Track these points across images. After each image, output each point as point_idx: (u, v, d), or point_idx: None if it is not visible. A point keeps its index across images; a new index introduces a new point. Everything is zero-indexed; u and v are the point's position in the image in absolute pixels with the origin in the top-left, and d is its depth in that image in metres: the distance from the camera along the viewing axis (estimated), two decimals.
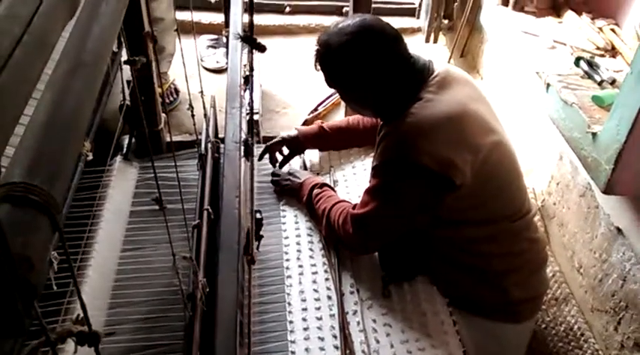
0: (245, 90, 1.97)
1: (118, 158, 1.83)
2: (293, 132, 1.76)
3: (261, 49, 0.85)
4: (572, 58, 1.79)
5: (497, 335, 1.42)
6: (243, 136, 1.16)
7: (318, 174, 1.77)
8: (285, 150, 1.78)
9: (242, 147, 0.98)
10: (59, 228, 0.43)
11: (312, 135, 1.76)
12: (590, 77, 1.71)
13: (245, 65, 1.78)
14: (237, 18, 1.81)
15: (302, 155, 1.85)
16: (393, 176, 1.33)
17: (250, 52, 0.92)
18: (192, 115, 1.59)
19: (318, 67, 1.40)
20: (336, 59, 1.36)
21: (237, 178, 1.12)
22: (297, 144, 1.76)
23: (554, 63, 1.78)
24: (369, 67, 1.33)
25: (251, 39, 0.83)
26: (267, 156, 1.78)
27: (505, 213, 1.39)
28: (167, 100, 2.28)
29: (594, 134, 1.44)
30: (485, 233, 1.38)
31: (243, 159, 1.10)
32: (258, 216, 1.24)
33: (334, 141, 1.78)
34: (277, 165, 1.77)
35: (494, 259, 1.39)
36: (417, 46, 2.90)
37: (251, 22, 0.90)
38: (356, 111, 1.59)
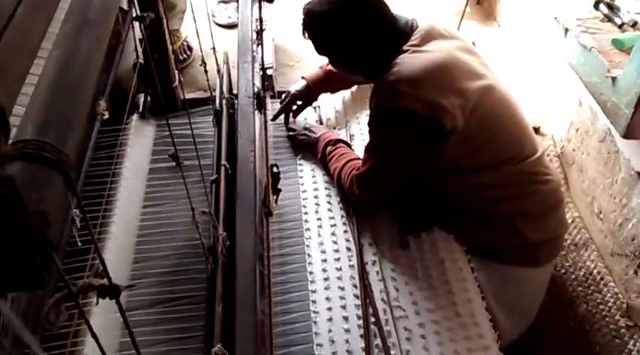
0: (257, 45, 1.96)
1: (135, 116, 1.84)
2: (302, 83, 1.76)
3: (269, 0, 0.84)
4: (591, 0, 1.74)
5: (516, 279, 1.43)
6: (257, 86, 1.16)
7: (334, 128, 1.77)
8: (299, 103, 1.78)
9: (254, 101, 0.98)
10: (72, 184, 0.44)
11: (321, 79, 1.75)
12: (610, 20, 1.66)
13: (256, 19, 1.76)
14: None
15: (318, 109, 1.84)
16: (384, 128, 1.37)
17: (259, 3, 0.91)
18: (206, 71, 1.59)
19: (306, 35, 1.45)
20: (320, 28, 1.42)
21: (251, 133, 1.13)
22: (308, 94, 1.76)
23: (573, 7, 1.73)
24: (351, 33, 1.38)
25: None
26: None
27: (506, 157, 1.39)
28: (180, 57, 2.26)
29: (614, 78, 1.41)
30: (488, 178, 1.38)
31: (256, 113, 1.10)
32: (275, 169, 1.25)
33: (343, 81, 1.78)
34: (292, 116, 1.79)
35: (502, 203, 1.39)
36: None
37: (260, 19, 0.88)
38: (347, 77, 1.63)
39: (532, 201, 1.40)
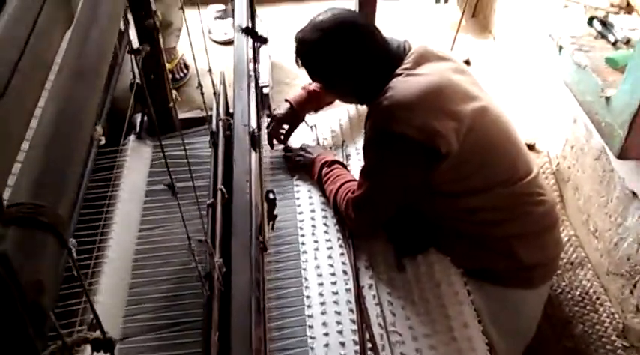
0: (255, 63, 1.97)
1: (132, 137, 1.84)
2: (285, 106, 1.76)
3: (263, 41, 0.85)
4: (585, 17, 1.75)
5: (512, 301, 1.43)
6: (252, 125, 1.16)
7: (331, 147, 1.77)
8: (286, 127, 1.78)
9: (249, 140, 0.98)
10: (67, 246, 0.44)
11: (304, 99, 1.76)
12: (603, 37, 1.67)
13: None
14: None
15: (314, 128, 1.84)
16: (379, 151, 1.37)
17: (253, 45, 0.92)
18: (202, 93, 1.59)
19: (299, 63, 1.45)
20: (312, 55, 1.42)
21: (247, 162, 1.13)
22: (293, 116, 1.76)
23: (567, 23, 1.74)
24: (343, 60, 1.39)
25: (252, 31, 0.83)
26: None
27: (498, 180, 1.39)
28: (177, 76, 2.27)
29: (607, 98, 1.42)
30: (482, 201, 1.38)
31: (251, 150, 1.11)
32: (271, 196, 1.25)
33: (326, 99, 1.79)
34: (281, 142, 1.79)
35: (496, 226, 1.40)
36: (426, 7, 2.85)
37: (252, 14, 0.89)
38: (341, 100, 1.64)
39: (526, 222, 1.41)
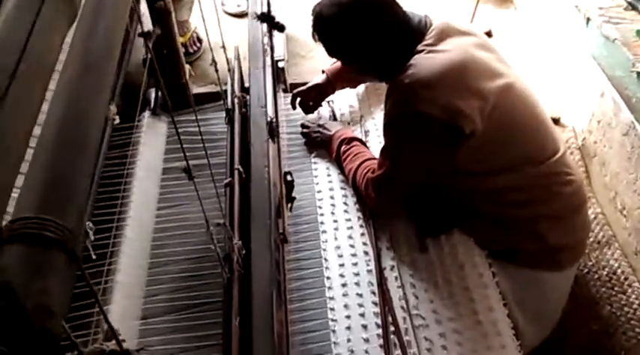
0: (268, 37, 1.91)
1: (147, 113, 1.81)
2: (322, 76, 1.71)
3: (281, 28, 0.80)
4: None
5: (538, 284, 1.40)
6: (270, 113, 1.11)
7: (349, 123, 1.73)
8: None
9: (267, 130, 0.94)
10: (78, 261, 0.41)
11: (342, 72, 1.70)
12: (634, 8, 1.59)
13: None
14: None
15: (331, 103, 1.80)
16: (401, 131, 1.33)
17: (269, 33, 0.87)
18: (216, 70, 1.55)
19: (316, 38, 1.40)
20: (330, 30, 1.37)
21: (264, 148, 1.09)
22: (327, 87, 1.72)
23: None
24: (362, 36, 1.33)
25: (269, 18, 0.78)
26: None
27: (526, 158, 1.35)
28: (190, 50, 2.22)
29: (638, 73, 1.36)
30: (508, 181, 1.34)
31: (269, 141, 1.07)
32: (289, 178, 1.22)
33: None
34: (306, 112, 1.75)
35: (523, 207, 1.35)
36: None
37: (269, 4, 0.84)
38: (360, 77, 1.59)
39: (553, 203, 1.37)
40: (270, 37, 1.61)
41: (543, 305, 1.44)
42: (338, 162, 1.56)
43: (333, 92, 1.76)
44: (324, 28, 1.37)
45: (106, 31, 0.62)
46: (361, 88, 1.82)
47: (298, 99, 1.74)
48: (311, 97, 1.73)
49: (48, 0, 0.55)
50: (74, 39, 0.59)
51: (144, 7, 1.85)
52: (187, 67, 1.93)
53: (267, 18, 0.79)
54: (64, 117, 0.51)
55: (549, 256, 1.38)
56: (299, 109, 1.77)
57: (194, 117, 1.82)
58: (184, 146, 1.42)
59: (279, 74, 1.93)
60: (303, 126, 1.71)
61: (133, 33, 1.70)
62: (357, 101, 1.80)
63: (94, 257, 1.15)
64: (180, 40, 2.02)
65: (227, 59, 1.70)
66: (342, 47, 1.40)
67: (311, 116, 1.77)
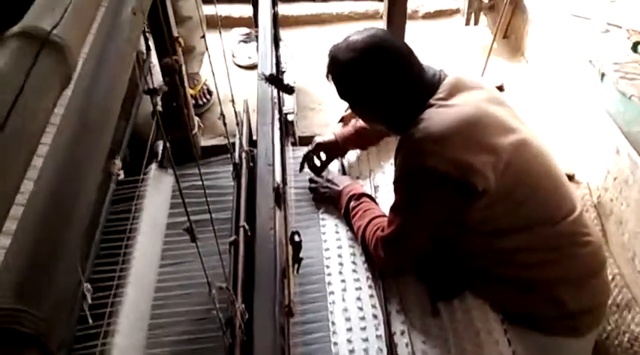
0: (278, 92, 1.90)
1: (153, 166, 1.78)
2: (330, 137, 1.69)
3: (289, 91, 0.78)
4: (628, 42, 1.65)
5: (557, 351, 1.33)
6: (277, 179, 1.08)
7: (357, 177, 1.70)
8: (323, 156, 1.71)
9: (274, 196, 0.91)
10: None
11: (351, 136, 1.70)
12: None
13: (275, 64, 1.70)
14: (266, 13, 1.73)
15: (340, 157, 1.77)
16: (411, 188, 1.30)
17: (278, 94, 0.85)
18: (225, 124, 1.53)
19: (330, 79, 1.39)
20: (343, 75, 1.35)
21: (271, 207, 1.05)
22: (336, 148, 1.70)
23: (609, 49, 1.65)
24: (375, 84, 1.31)
25: (278, 80, 0.76)
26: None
27: (542, 217, 1.30)
28: (200, 102, 2.22)
29: None
30: (523, 241, 1.29)
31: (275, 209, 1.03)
32: (296, 238, 1.17)
33: (374, 138, 1.73)
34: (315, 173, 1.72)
35: (538, 269, 1.30)
36: (456, 29, 2.77)
37: (277, 63, 0.82)
38: (369, 125, 1.56)
39: (571, 265, 1.31)
40: (279, 93, 1.61)
41: None
42: (347, 218, 1.52)
43: (342, 154, 1.75)
44: (338, 71, 1.35)
45: (106, 89, 0.59)
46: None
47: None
48: (317, 155, 1.71)
49: (40, 59, 0.52)
50: (72, 97, 0.56)
51: (155, 60, 1.86)
52: (197, 119, 1.93)
53: (275, 80, 0.76)
54: (52, 189, 0.47)
55: (568, 321, 1.31)
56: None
57: (202, 171, 1.81)
58: (190, 200, 1.38)
59: (288, 127, 1.91)
60: (311, 181, 1.67)
61: (142, 85, 1.70)
62: (366, 154, 1.77)
63: (90, 322, 1.10)
64: (190, 92, 2.03)
65: (235, 113, 1.68)
66: (353, 93, 1.38)
67: None
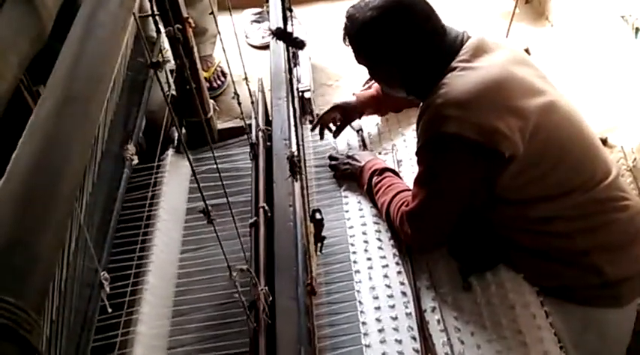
0: (294, 66, 1.84)
1: (170, 151, 1.75)
2: (351, 98, 1.66)
3: (299, 45, 0.72)
4: None
5: (597, 323, 1.26)
6: (292, 147, 1.02)
7: (379, 153, 1.64)
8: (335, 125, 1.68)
9: (288, 166, 0.86)
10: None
11: (372, 98, 1.65)
12: None
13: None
14: None
15: (360, 132, 1.71)
16: (435, 156, 1.23)
17: (287, 50, 0.79)
18: (239, 103, 1.48)
19: (347, 41, 1.33)
20: (361, 35, 1.30)
21: (287, 183, 1.00)
22: (353, 110, 1.66)
23: None
24: (394, 45, 1.26)
25: (287, 35, 0.70)
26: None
27: (574, 183, 1.23)
28: (215, 85, 2.17)
29: None
30: (557, 209, 1.23)
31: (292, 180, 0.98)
32: (317, 216, 1.12)
33: (394, 103, 1.68)
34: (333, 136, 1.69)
35: (576, 237, 1.23)
36: None
37: (285, 15, 0.76)
38: (387, 91, 1.49)
39: (609, 232, 1.24)
40: (293, 54, 1.54)
41: (604, 347, 1.29)
42: (370, 195, 1.47)
43: (359, 116, 1.69)
44: (357, 31, 1.30)
45: (95, 55, 0.54)
46: (392, 114, 1.73)
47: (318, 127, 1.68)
48: (334, 118, 1.65)
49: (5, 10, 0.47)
50: (56, 66, 0.52)
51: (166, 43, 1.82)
52: (212, 102, 1.88)
53: (283, 34, 0.70)
54: (34, 165, 0.42)
55: (608, 291, 1.24)
56: (326, 140, 1.69)
57: (219, 154, 1.76)
58: (207, 185, 1.34)
59: (305, 105, 1.86)
60: (331, 158, 1.62)
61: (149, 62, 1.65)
62: (387, 127, 1.71)
63: (109, 310, 1.07)
64: (204, 75, 1.98)
65: (250, 92, 1.63)
66: (371, 53, 1.32)
67: (340, 146, 1.68)
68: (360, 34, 1.30)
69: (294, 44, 0.69)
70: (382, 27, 1.25)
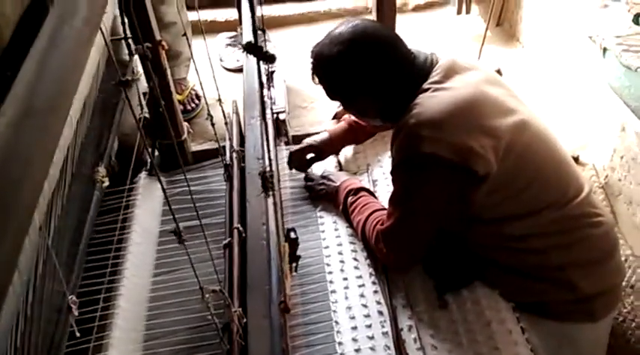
0: (269, 88, 1.84)
1: (143, 174, 1.73)
2: (324, 135, 1.65)
3: (270, 59, 0.72)
4: (629, 15, 1.59)
5: (573, 338, 1.26)
6: (265, 165, 1.01)
7: (355, 173, 1.63)
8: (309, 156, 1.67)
9: (261, 182, 0.85)
10: None
11: (344, 132, 1.66)
12: None
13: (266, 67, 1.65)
14: (249, 14, 1.69)
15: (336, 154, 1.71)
16: (410, 175, 1.23)
17: (258, 64, 0.79)
18: (213, 124, 1.48)
19: (316, 80, 1.34)
20: (331, 71, 1.30)
21: (262, 201, 0.99)
22: (328, 148, 1.66)
23: (609, 23, 1.59)
24: (364, 75, 1.26)
25: (257, 48, 0.70)
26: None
27: (549, 199, 1.24)
28: (189, 107, 2.16)
29: None
30: (532, 227, 1.23)
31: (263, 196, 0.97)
32: (292, 235, 1.11)
33: (370, 129, 1.68)
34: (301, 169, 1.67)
35: (551, 253, 1.24)
36: (447, 20, 2.72)
37: (255, 31, 0.76)
38: (364, 121, 1.51)
39: (584, 247, 1.25)
40: (268, 83, 1.54)
41: None
42: (345, 215, 1.46)
43: (333, 152, 1.69)
44: (325, 68, 1.30)
45: (57, 70, 0.53)
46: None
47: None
48: (307, 157, 1.65)
49: None
50: (17, 79, 0.50)
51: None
52: (186, 124, 1.87)
53: (254, 48, 0.70)
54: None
55: (583, 306, 1.25)
56: None
57: (192, 176, 1.75)
58: (181, 207, 1.33)
59: (280, 126, 1.86)
60: (306, 179, 1.61)
61: (124, 91, 1.64)
62: (362, 148, 1.71)
63: (77, 335, 1.04)
64: (178, 97, 1.97)
65: (224, 113, 1.63)
66: (343, 87, 1.32)
67: (315, 167, 1.67)
68: (330, 70, 1.30)
69: (265, 58, 0.69)
70: (351, 60, 1.25)
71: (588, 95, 1.79)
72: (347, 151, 1.73)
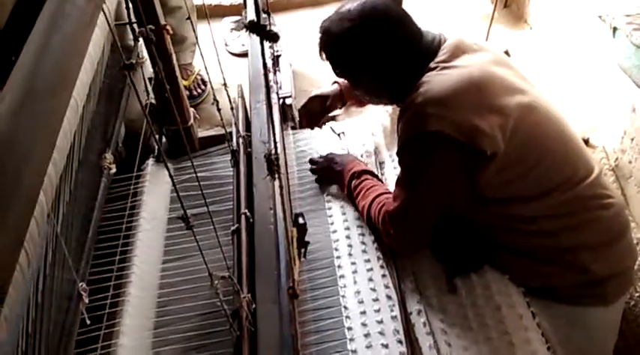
0: (275, 73, 1.83)
1: (150, 161, 1.72)
2: (333, 86, 1.66)
3: (273, 38, 0.70)
4: None
5: (584, 322, 1.25)
6: (271, 147, 1.00)
7: (361, 155, 1.62)
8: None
9: (266, 165, 0.84)
10: None
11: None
12: None
13: (270, 47, 1.63)
14: None
15: (342, 135, 1.70)
16: (416, 155, 1.22)
17: (261, 43, 0.77)
18: (219, 110, 1.47)
19: (324, 56, 1.34)
20: (339, 47, 1.30)
21: (268, 185, 0.98)
22: (335, 100, 1.67)
23: (619, 2, 1.56)
24: (372, 52, 1.26)
25: (260, 27, 0.68)
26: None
27: (556, 182, 1.23)
28: (195, 93, 2.15)
29: None
30: (541, 208, 1.22)
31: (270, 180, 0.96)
32: (300, 220, 1.10)
33: None
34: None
35: (561, 235, 1.23)
36: (455, 1, 2.68)
37: (258, 10, 0.75)
38: (370, 99, 1.49)
39: (594, 229, 1.23)
40: (274, 68, 1.53)
41: (591, 345, 1.29)
42: (350, 199, 1.45)
43: (340, 105, 1.69)
44: (333, 44, 1.30)
45: (60, 50, 0.52)
46: (374, 117, 1.72)
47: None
48: (316, 107, 1.65)
49: None
50: (19, 60, 0.50)
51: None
52: (192, 110, 1.86)
53: (257, 27, 0.69)
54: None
55: (594, 290, 1.24)
56: (309, 145, 1.67)
57: (199, 162, 1.74)
58: (189, 194, 1.32)
59: (286, 111, 1.85)
60: (311, 161, 1.60)
61: (129, 76, 1.63)
62: (369, 130, 1.69)
63: (88, 322, 1.04)
64: (184, 83, 1.96)
65: (229, 98, 1.62)
66: (350, 64, 1.32)
67: (322, 151, 1.66)
68: (339, 47, 1.30)
69: (268, 37, 0.68)
70: (360, 37, 1.25)
71: (598, 76, 1.77)
72: (353, 134, 1.71)
